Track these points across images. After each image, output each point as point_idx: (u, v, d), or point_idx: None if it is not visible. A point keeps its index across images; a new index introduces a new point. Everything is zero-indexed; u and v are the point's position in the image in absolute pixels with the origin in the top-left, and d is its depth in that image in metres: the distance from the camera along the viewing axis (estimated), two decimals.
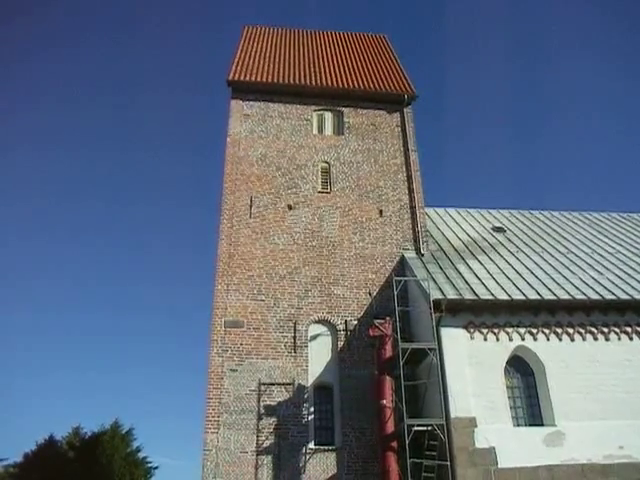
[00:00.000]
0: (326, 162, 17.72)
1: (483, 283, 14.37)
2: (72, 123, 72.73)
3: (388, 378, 12.82)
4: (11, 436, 45.46)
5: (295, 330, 14.65)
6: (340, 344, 14.67)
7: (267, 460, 13.10)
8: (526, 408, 13.12)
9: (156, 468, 29.46)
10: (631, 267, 16.14)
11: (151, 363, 65.62)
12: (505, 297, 13.71)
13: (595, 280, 15.03)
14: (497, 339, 13.28)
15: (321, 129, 18.61)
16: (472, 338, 13.17)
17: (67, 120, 72.38)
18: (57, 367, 60.87)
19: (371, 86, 19.66)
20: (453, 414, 12.17)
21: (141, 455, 28.64)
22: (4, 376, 50.86)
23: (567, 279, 15.02)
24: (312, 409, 13.93)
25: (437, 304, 13.04)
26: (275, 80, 19.03)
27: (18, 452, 28.32)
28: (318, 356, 14.52)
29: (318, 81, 19.41)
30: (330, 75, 20.03)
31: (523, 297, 13.78)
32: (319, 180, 17.35)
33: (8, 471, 27.49)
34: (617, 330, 13.78)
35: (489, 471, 11.79)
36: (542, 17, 68.70)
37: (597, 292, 14.29)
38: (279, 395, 13.84)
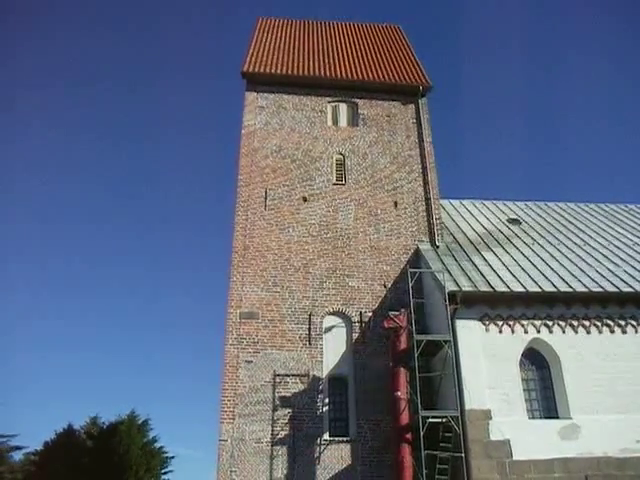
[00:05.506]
0: (341, 154, 17.69)
1: (498, 275, 14.30)
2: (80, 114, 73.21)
3: (403, 370, 12.82)
4: (32, 425, 46.37)
5: (310, 322, 14.71)
6: (355, 336, 14.70)
7: (282, 451, 13.20)
8: (541, 401, 13.06)
9: (172, 458, 29.98)
10: None
11: (169, 354, 66.31)
12: (520, 289, 13.64)
13: (612, 272, 14.89)
14: (512, 331, 13.22)
15: (336, 121, 18.55)
16: (487, 330, 13.13)
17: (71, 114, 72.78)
18: (75, 358, 61.66)
19: (386, 77, 19.55)
20: (468, 406, 12.17)
21: (157, 445, 29.08)
22: (24, 367, 51.65)
23: (583, 271, 14.89)
24: (327, 400, 14.00)
25: (452, 296, 13.00)
26: (289, 72, 19.01)
27: (38, 441, 28.94)
28: (333, 348, 14.57)
29: (332, 72, 19.34)
30: (344, 66, 19.94)
31: (539, 289, 13.70)
32: (334, 172, 17.33)
33: (29, 459, 28.10)
34: (634, 323, 13.65)
35: (503, 463, 11.78)
36: (559, 9, 67.74)
37: (614, 284, 14.14)
38: (294, 386, 13.92)
